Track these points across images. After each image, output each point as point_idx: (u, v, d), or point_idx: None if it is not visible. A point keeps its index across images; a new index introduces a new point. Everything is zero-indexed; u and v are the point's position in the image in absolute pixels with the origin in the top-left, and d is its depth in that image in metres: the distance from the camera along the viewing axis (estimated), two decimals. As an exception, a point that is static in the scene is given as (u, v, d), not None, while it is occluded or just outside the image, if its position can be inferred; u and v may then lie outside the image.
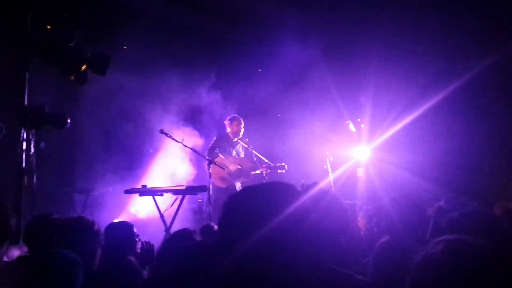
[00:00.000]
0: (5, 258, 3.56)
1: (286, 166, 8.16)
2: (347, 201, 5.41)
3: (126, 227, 3.60)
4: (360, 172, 8.98)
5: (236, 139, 8.29)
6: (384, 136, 8.68)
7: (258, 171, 8.04)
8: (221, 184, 7.83)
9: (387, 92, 8.96)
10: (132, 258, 3.40)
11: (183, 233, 3.47)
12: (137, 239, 3.69)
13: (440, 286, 1.75)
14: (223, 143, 8.18)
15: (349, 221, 2.80)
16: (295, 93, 10.04)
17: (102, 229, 3.62)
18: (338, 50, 9.56)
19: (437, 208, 3.71)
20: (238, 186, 8.04)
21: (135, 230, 3.64)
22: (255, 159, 8.07)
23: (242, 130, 8.32)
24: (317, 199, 2.50)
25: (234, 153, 8.27)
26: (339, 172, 8.33)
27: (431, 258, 1.82)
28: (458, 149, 8.26)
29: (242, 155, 8.42)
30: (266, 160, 8.15)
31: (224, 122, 8.49)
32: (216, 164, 7.37)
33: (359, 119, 9.16)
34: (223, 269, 1.42)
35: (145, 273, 3.38)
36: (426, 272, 1.81)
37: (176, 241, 3.29)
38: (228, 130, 8.34)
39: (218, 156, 7.91)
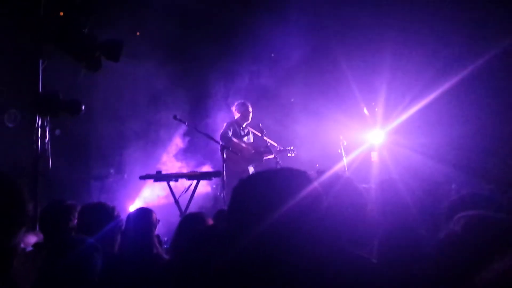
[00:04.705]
0: (21, 245, 3.62)
1: (294, 150, 8.12)
2: (364, 185, 5.38)
3: (146, 213, 3.64)
4: (374, 156, 8.91)
5: (245, 125, 8.23)
6: (399, 119, 8.59)
7: (271, 156, 8.00)
8: (235, 168, 7.77)
9: (402, 75, 8.85)
10: (153, 242, 3.44)
11: (193, 217, 3.50)
12: (157, 225, 3.73)
13: (463, 262, 1.80)
14: (233, 129, 8.12)
15: (366, 204, 2.77)
16: (309, 77, 9.97)
17: (121, 215, 3.67)
18: (353, 34, 9.45)
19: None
20: (251, 170, 8.02)
21: (155, 215, 3.68)
22: (268, 144, 8.04)
23: (251, 115, 8.26)
24: (331, 183, 2.48)
25: (245, 139, 8.22)
26: (353, 156, 8.28)
27: (453, 235, 1.90)
28: (474, 132, 8.15)
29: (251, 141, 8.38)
30: (276, 145, 8.12)
31: (232, 108, 8.41)
32: (230, 150, 7.35)
33: (373, 103, 9.07)
34: (234, 254, 1.42)
35: (165, 257, 3.42)
36: (449, 249, 1.88)
37: (188, 225, 3.31)
38: (237, 116, 8.22)
39: (232, 140, 7.87)
